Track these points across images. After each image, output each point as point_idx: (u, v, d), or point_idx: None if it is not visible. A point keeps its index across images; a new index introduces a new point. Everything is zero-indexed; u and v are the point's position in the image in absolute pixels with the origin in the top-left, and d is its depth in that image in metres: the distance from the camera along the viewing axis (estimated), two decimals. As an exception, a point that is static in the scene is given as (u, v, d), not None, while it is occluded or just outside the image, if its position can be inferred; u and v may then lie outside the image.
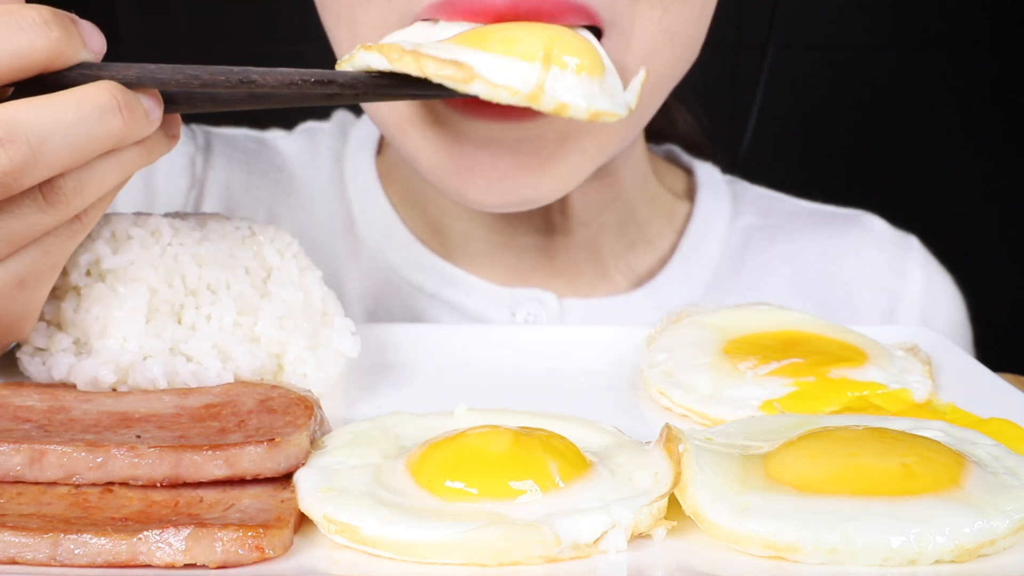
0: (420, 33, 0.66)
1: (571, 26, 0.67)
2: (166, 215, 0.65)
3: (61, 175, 0.54)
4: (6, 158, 0.51)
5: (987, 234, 1.86)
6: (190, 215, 0.66)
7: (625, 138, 0.78)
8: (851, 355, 0.65)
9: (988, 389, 0.65)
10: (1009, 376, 0.69)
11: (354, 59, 0.61)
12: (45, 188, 0.54)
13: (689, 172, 1.00)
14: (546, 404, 0.60)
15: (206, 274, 0.63)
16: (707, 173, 0.99)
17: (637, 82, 0.67)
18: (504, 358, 0.72)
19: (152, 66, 0.56)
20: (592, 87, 0.62)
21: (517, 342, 0.74)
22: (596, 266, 0.91)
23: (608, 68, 0.65)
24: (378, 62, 0.60)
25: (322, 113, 0.98)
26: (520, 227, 0.88)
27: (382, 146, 0.96)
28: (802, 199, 1.02)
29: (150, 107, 0.56)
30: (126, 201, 0.93)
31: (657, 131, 1.01)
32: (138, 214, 0.65)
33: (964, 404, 0.63)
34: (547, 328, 0.80)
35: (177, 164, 0.95)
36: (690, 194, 0.98)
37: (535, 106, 0.60)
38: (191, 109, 0.60)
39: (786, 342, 0.67)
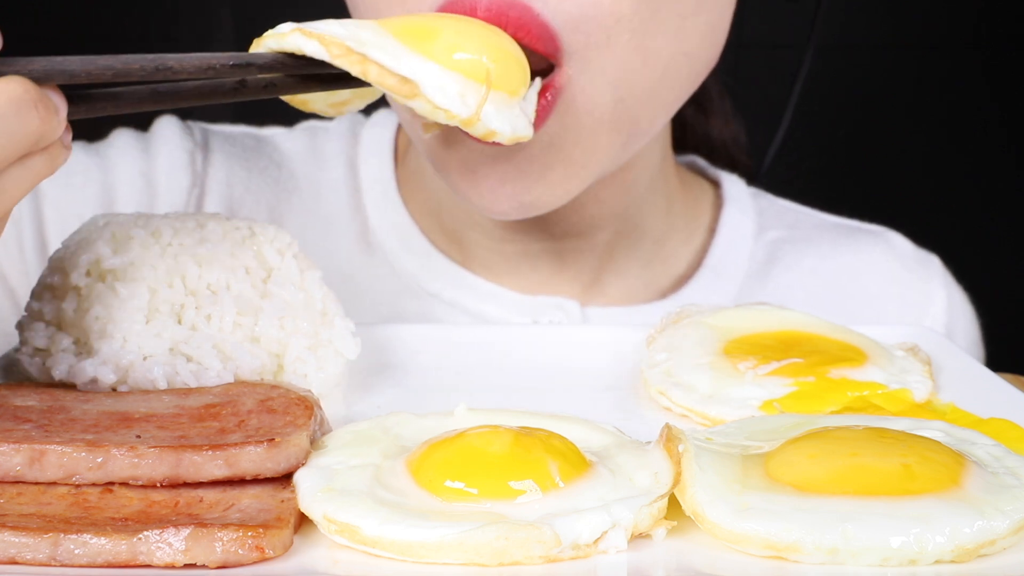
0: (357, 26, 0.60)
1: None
2: (166, 215, 0.65)
3: None
4: None
5: (986, 233, 1.86)
6: (190, 215, 0.66)
7: (617, 153, 0.75)
8: (851, 355, 0.65)
9: (988, 389, 0.65)
10: (1009, 376, 0.69)
11: (285, 40, 0.57)
12: None
13: (715, 184, 0.99)
14: (546, 404, 0.60)
15: (206, 274, 0.63)
16: (734, 187, 0.98)
17: (533, 92, 0.65)
18: (504, 358, 0.72)
19: (59, 58, 0.50)
20: (514, 110, 0.61)
21: (517, 342, 0.74)
22: (615, 275, 0.91)
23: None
24: (314, 50, 0.56)
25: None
26: (531, 232, 0.87)
27: (399, 152, 0.95)
28: (824, 212, 1.02)
29: (59, 104, 0.50)
30: (127, 200, 0.91)
31: (679, 138, 0.99)
32: (138, 214, 0.65)
33: (964, 404, 0.63)
34: (547, 328, 0.80)
35: (178, 161, 0.93)
36: (717, 207, 0.97)
37: (467, 129, 0.59)
38: (90, 113, 0.54)
39: (786, 342, 0.67)
